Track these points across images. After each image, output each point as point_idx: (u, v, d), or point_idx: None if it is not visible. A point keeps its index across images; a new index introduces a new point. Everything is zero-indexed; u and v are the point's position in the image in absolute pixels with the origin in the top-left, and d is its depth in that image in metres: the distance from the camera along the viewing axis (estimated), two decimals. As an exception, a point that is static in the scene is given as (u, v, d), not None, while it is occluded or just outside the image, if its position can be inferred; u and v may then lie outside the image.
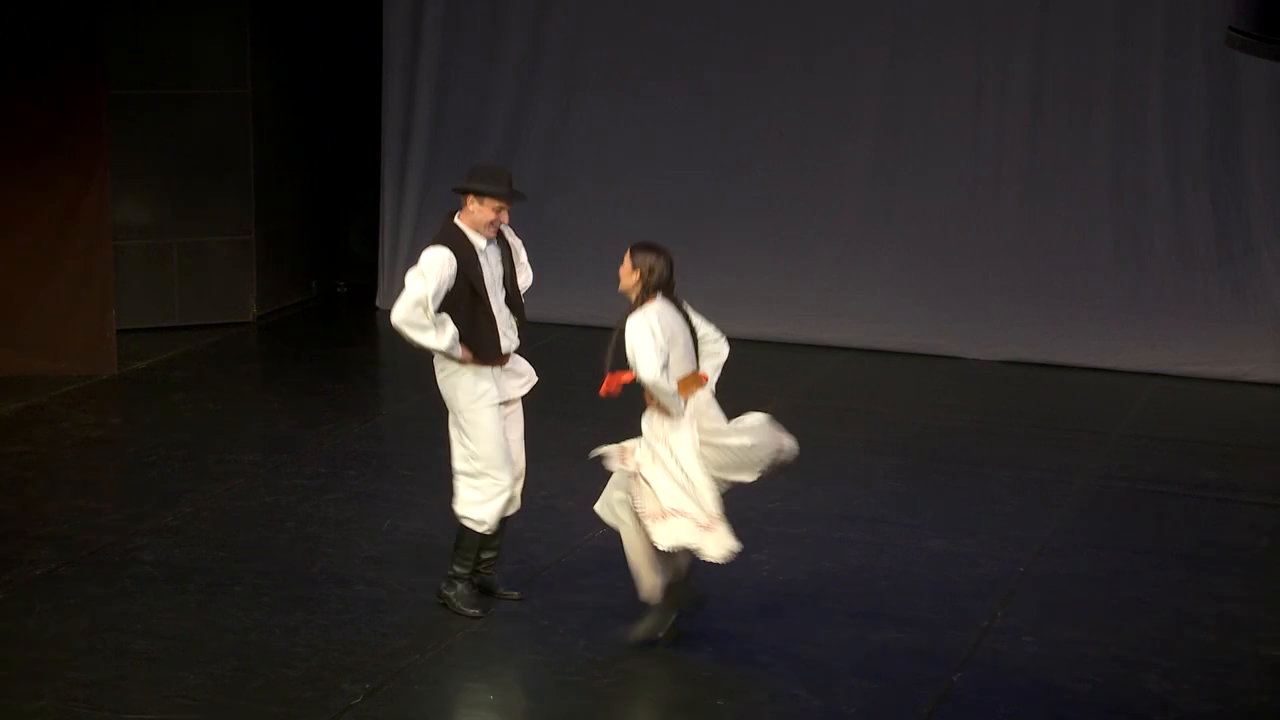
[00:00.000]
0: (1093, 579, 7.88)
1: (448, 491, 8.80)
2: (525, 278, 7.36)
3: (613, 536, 7.12)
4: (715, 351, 7.11)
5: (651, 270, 6.94)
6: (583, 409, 9.12)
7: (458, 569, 7.29)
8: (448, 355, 7.08)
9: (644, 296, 6.93)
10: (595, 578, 7.63)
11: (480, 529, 7.21)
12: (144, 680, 6.63)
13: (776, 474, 7.03)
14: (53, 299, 10.63)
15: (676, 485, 6.84)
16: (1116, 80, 11.26)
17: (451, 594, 7.29)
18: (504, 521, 7.30)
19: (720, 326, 7.06)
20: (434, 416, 10.30)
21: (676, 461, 6.86)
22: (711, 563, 6.88)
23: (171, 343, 11.51)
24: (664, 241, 7.24)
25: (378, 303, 12.66)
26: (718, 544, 6.83)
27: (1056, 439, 10.00)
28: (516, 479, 7.29)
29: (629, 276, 6.96)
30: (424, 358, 7.30)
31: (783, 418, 9.73)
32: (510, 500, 7.25)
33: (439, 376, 7.22)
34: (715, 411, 6.98)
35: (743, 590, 7.54)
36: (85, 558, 7.87)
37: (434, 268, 6.98)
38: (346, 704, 6.49)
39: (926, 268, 11.57)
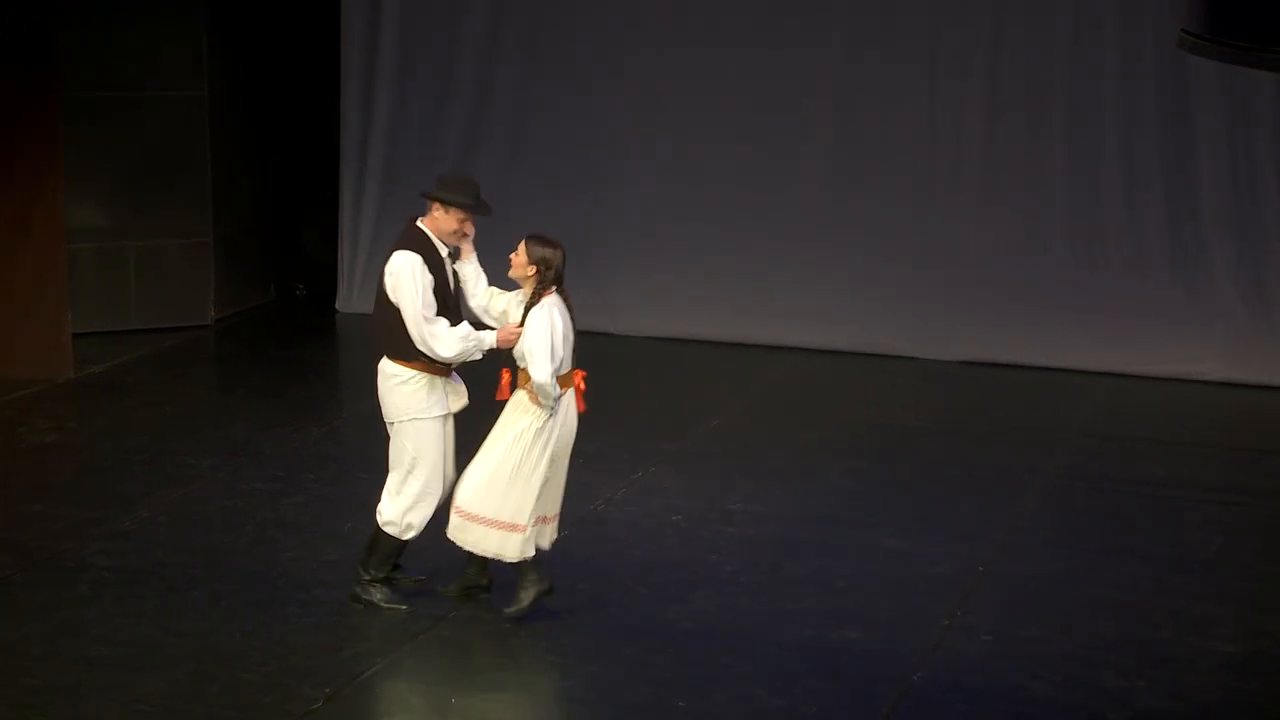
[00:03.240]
0: (1050, 577, 7.93)
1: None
2: (482, 283, 7.29)
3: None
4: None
5: (549, 264, 7.00)
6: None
7: (375, 573, 7.30)
8: (477, 351, 7.01)
9: (541, 290, 6.98)
10: (556, 581, 7.62)
11: (409, 535, 7.24)
12: (101, 686, 6.60)
13: None
14: (7, 303, 10.54)
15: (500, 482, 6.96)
16: (1071, 83, 11.33)
17: (375, 598, 7.27)
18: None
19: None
20: (392, 419, 10.32)
21: (523, 456, 6.93)
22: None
23: (128, 346, 11.44)
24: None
25: (337, 305, 12.62)
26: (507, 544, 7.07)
27: (1012, 438, 10.05)
28: (447, 489, 7.28)
29: (524, 268, 7.00)
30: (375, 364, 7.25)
31: (741, 418, 9.78)
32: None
33: (387, 384, 7.17)
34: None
35: (702, 591, 7.56)
36: (41, 563, 7.82)
37: (415, 274, 6.95)
38: (306, 709, 6.47)
39: (883, 269, 11.61)
